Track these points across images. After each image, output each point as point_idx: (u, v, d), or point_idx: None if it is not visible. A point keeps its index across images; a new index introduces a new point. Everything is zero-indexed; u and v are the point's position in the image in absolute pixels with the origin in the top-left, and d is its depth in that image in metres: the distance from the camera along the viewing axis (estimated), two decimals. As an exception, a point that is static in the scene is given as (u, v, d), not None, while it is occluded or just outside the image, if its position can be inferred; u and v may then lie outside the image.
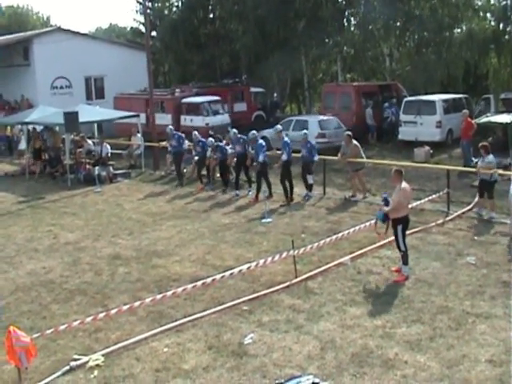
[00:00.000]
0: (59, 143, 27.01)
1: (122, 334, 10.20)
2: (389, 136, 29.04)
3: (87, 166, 25.00)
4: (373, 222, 13.22)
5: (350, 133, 20.01)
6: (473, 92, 36.05)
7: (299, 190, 19.97)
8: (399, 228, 12.22)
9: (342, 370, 8.73)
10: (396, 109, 29.20)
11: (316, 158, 19.78)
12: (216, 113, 31.09)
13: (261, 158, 19.49)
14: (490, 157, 16.22)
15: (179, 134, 23.78)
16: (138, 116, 27.39)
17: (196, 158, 22.71)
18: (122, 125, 29.83)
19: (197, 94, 33.12)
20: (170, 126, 24.42)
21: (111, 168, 24.84)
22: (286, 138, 19.87)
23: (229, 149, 21.76)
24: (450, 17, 34.92)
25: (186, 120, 30.64)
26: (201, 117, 30.34)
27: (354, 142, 19.45)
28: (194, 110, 30.87)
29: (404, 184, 12.27)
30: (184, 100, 31.54)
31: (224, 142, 23.16)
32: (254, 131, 20.80)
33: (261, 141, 20.14)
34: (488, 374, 8.50)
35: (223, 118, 30.87)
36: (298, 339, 9.73)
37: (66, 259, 14.41)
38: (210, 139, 22.30)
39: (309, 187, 19.84)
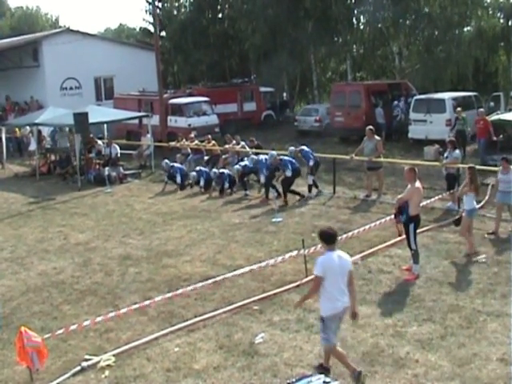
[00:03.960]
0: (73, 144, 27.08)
1: (133, 334, 10.22)
2: (398, 134, 28.95)
3: (97, 167, 25.09)
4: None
5: (371, 127, 19.53)
6: (482, 90, 35.95)
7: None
8: (411, 226, 12.18)
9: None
10: (405, 107, 29.13)
11: (311, 163, 19.61)
12: (201, 114, 31.15)
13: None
14: (457, 152, 17.11)
15: (175, 165, 22.72)
16: (148, 116, 27.49)
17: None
18: (120, 125, 30.25)
19: (189, 95, 33.30)
20: (166, 161, 22.82)
21: (121, 168, 24.90)
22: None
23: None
24: (459, 14, 34.84)
25: (172, 121, 30.73)
26: (184, 118, 30.46)
27: (377, 136, 19.28)
28: (178, 110, 30.98)
29: (418, 183, 12.22)
30: (170, 101, 31.52)
31: (233, 142, 23.24)
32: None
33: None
34: (499, 372, 8.47)
35: (209, 119, 30.92)
36: (309, 338, 9.72)
37: (77, 260, 14.46)
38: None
39: (308, 188, 19.73)
